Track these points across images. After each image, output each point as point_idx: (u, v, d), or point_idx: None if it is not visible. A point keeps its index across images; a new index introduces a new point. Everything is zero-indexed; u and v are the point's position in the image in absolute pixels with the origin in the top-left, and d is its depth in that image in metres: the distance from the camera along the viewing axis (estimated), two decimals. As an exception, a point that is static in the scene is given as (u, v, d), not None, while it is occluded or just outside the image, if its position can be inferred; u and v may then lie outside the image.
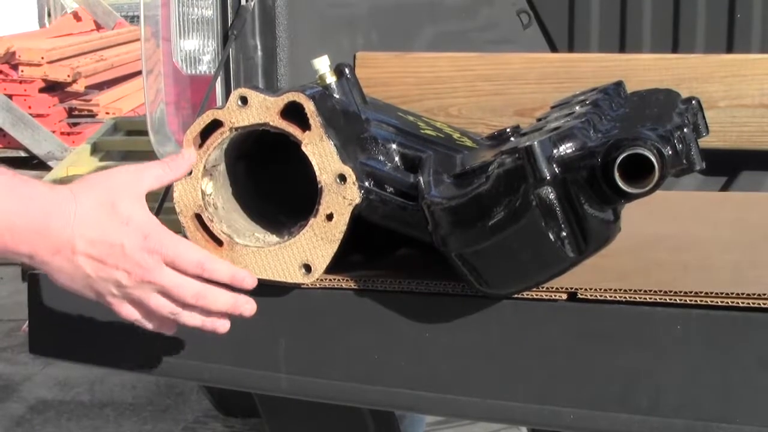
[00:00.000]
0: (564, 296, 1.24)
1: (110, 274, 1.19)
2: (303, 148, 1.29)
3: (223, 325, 1.25)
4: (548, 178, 1.15)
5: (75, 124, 6.98)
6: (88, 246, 1.18)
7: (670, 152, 1.15)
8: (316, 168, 1.29)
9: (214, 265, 1.22)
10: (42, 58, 6.96)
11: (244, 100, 1.30)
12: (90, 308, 1.48)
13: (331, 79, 1.37)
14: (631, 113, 1.36)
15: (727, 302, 1.17)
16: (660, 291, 1.20)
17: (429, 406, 1.32)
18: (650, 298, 1.20)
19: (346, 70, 1.39)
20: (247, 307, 1.24)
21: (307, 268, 1.30)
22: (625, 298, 1.21)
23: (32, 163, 6.63)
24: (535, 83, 2.13)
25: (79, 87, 7.17)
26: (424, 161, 1.34)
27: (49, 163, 6.34)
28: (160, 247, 1.19)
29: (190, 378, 1.53)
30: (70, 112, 7.07)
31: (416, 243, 1.30)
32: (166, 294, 1.21)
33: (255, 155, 1.38)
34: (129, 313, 1.23)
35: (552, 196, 1.16)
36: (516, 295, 1.24)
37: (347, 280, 1.33)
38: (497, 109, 2.14)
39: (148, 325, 1.25)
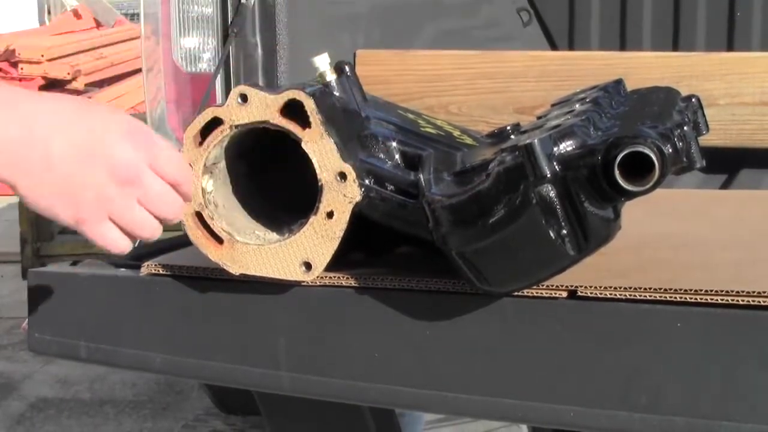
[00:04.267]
0: (564, 294, 1.24)
1: (90, 172, 1.06)
2: (303, 145, 1.29)
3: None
4: (548, 175, 1.15)
5: (75, 122, 6.96)
6: (64, 139, 1.04)
7: (670, 150, 1.15)
8: (316, 166, 1.29)
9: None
10: (42, 55, 6.96)
11: (244, 98, 1.29)
12: (90, 306, 1.48)
13: (331, 76, 1.37)
14: (631, 111, 1.36)
15: (727, 300, 1.17)
16: (660, 289, 1.20)
17: (429, 404, 1.32)
18: (650, 296, 1.20)
19: (347, 68, 1.39)
20: None
21: (308, 266, 1.30)
22: (625, 296, 1.21)
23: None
24: (536, 81, 2.13)
25: (78, 85, 7.18)
26: (424, 159, 1.34)
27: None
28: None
29: (190, 376, 1.53)
30: (70, 110, 7.05)
31: (416, 241, 1.30)
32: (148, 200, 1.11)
33: (255, 153, 1.38)
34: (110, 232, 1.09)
35: (552, 193, 1.16)
36: (516, 293, 1.24)
37: (347, 278, 1.33)
38: (497, 107, 2.14)
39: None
